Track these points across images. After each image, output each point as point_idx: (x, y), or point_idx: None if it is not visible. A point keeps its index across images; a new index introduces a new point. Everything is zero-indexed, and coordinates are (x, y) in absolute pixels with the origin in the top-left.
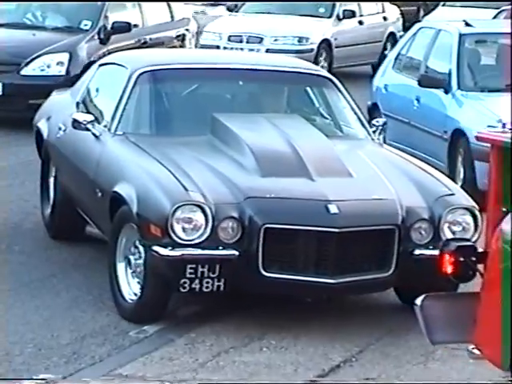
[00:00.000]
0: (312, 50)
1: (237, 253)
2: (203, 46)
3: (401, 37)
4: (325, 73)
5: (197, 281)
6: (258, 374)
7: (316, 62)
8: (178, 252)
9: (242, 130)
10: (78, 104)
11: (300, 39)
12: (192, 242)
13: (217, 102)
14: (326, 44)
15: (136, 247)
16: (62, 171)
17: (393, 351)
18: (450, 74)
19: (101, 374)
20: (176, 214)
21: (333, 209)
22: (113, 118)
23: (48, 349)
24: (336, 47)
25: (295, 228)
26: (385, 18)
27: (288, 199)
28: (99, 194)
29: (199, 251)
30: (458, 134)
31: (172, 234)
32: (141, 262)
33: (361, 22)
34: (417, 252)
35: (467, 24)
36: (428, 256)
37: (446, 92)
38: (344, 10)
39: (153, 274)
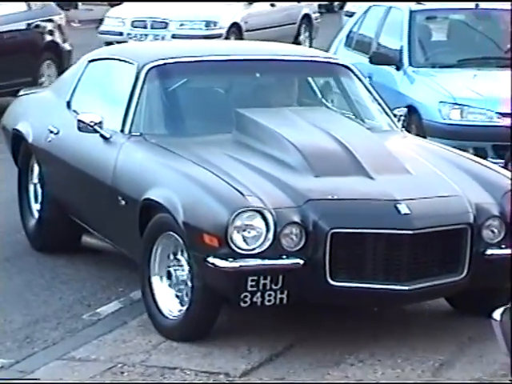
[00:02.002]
0: (221, 34)
1: (301, 261)
2: (104, 33)
3: (316, 19)
4: (343, 61)
5: (258, 294)
6: (211, 354)
7: None
8: (238, 263)
9: (277, 125)
10: (68, 104)
11: (208, 23)
12: (253, 252)
13: (234, 96)
14: (235, 28)
15: (176, 258)
16: (54, 178)
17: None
18: (401, 50)
19: (54, 358)
20: (235, 221)
21: (403, 209)
22: (125, 119)
23: (1, 333)
24: (247, 31)
25: (364, 232)
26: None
27: (353, 200)
28: (122, 202)
29: (261, 261)
30: (411, 111)
31: (231, 244)
32: (183, 273)
33: (273, 5)
34: (489, 252)
35: (419, 2)
36: (501, 256)
37: (398, 69)
38: None
39: (202, 288)
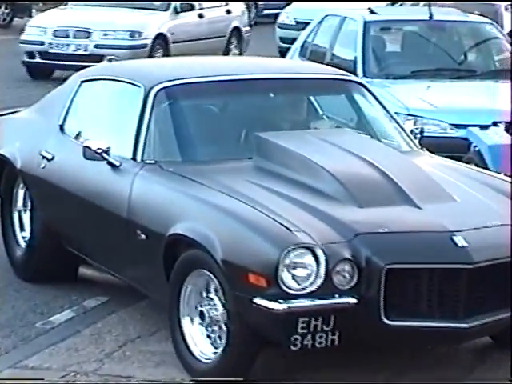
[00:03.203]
0: (145, 45)
1: (354, 300)
2: (25, 42)
3: (246, 32)
4: (356, 78)
5: (309, 336)
6: (164, 363)
7: (150, 58)
8: (288, 304)
9: (305, 150)
10: (61, 127)
11: (132, 34)
12: (303, 292)
13: (249, 118)
14: (161, 39)
15: (209, 297)
16: (48, 206)
17: None
18: (355, 61)
19: (6, 366)
20: (285, 260)
21: (460, 241)
22: (136, 145)
23: None
24: (173, 42)
25: (420, 267)
26: (228, 12)
27: (406, 233)
28: (141, 237)
29: (313, 302)
30: None
31: (281, 284)
32: (217, 313)
33: (201, 16)
34: None
35: (372, 11)
36: None
37: None
38: (181, 3)
39: (241, 330)
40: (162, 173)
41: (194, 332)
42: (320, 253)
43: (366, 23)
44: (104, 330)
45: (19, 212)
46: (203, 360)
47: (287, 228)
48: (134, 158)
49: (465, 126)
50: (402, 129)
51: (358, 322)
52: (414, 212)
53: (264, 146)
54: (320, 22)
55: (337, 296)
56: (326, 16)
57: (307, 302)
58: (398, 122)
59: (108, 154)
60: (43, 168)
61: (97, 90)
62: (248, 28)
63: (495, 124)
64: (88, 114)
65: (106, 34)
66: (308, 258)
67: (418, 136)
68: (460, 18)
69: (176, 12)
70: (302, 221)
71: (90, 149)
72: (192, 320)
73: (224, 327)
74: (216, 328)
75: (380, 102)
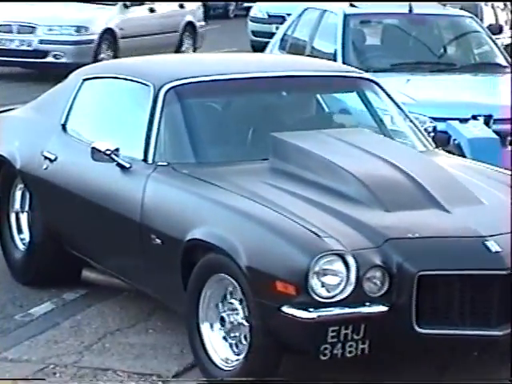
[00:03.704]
0: (92, 41)
1: (385, 308)
2: None
3: (201, 27)
4: (368, 75)
5: (339, 345)
6: (144, 355)
7: (97, 55)
8: (318, 313)
9: (325, 151)
10: (63, 127)
11: (78, 29)
12: (333, 300)
13: (262, 118)
14: (109, 34)
15: (229, 302)
16: (50, 208)
17: None
18: (335, 54)
19: None
20: (315, 267)
21: (493, 246)
22: (147, 146)
23: None
24: (122, 38)
25: (453, 273)
26: (181, 6)
27: (437, 238)
28: (156, 241)
29: (343, 310)
30: None
31: (311, 292)
32: (238, 318)
33: (152, 10)
34: None
35: (352, 4)
36: None
37: None
38: None
39: (264, 336)
40: (176, 175)
41: (213, 338)
42: (351, 259)
43: (345, 16)
44: (83, 322)
45: (16, 213)
46: (224, 368)
47: (316, 234)
48: (145, 160)
49: (444, 120)
50: (417, 127)
51: (389, 331)
52: (443, 216)
53: (280, 146)
54: (300, 15)
55: (367, 304)
56: (306, 9)
57: (337, 311)
58: (412, 121)
59: (117, 156)
60: (45, 169)
61: (100, 88)
62: (203, 23)
63: (474, 117)
64: (92, 114)
65: (50, 29)
66: (338, 265)
67: (431, 134)
68: (440, 12)
69: (125, 6)
70: (329, 226)
71: (98, 150)
72: (212, 326)
73: (246, 334)
74: (237, 334)
75: (393, 100)
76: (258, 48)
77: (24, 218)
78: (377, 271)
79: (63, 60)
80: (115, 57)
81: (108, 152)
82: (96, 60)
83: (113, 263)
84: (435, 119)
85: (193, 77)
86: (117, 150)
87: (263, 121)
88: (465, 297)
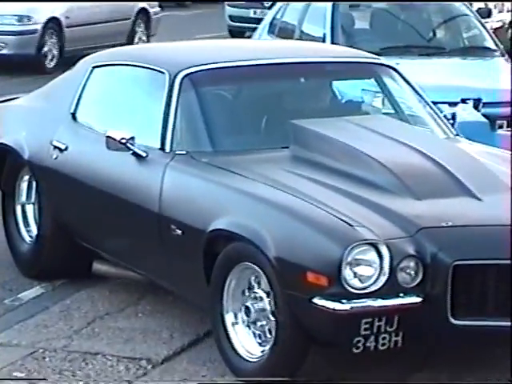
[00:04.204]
0: (35, 31)
1: (419, 299)
2: None
3: (155, 13)
4: (386, 61)
5: (372, 338)
6: (133, 339)
7: (41, 45)
8: (351, 305)
9: (350, 139)
10: (73, 115)
11: (20, 18)
12: (366, 291)
13: (280, 105)
14: (54, 23)
15: (255, 292)
16: (61, 199)
17: None
18: (323, 38)
19: None
20: (348, 257)
21: None
22: (164, 135)
23: None
24: (68, 27)
25: (488, 263)
26: None
27: (470, 227)
28: (177, 232)
29: (377, 301)
30: None
31: (344, 283)
32: (263, 307)
33: None
34: None
35: None
36: None
37: None
38: None
39: (293, 328)
40: (195, 164)
41: (238, 329)
42: (384, 249)
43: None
44: (73, 306)
45: (22, 205)
46: (249, 359)
47: (348, 223)
48: (162, 149)
49: (434, 103)
50: (437, 114)
51: (423, 322)
52: (474, 204)
53: (302, 134)
54: None
55: (401, 295)
56: None
57: (371, 302)
58: (431, 107)
59: (133, 144)
60: (55, 159)
61: (112, 76)
62: (157, 9)
63: (464, 101)
64: (103, 102)
65: None
66: (372, 255)
67: (451, 122)
68: None
69: None
70: (359, 215)
71: (113, 139)
72: (236, 316)
73: (272, 324)
74: (263, 324)
75: (412, 86)
76: (236, 34)
77: (30, 210)
78: (410, 261)
79: (4, 51)
80: (60, 47)
81: (123, 141)
82: (40, 51)
83: (127, 255)
84: None
85: (209, 63)
86: (132, 138)
87: (281, 108)
88: (499, 287)
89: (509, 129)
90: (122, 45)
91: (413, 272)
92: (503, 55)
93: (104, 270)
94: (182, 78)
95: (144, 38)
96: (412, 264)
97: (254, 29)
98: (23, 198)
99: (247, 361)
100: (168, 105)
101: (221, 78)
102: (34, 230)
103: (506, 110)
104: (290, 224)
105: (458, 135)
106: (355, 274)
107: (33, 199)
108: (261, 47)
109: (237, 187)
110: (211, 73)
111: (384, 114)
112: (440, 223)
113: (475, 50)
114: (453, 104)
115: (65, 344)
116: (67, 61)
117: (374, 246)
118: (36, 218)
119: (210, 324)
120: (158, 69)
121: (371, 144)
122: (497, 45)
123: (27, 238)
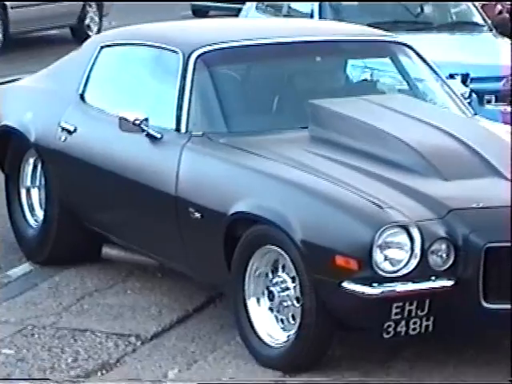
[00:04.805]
0: None
1: (451, 283)
2: None
3: None
4: (402, 39)
5: (403, 322)
6: (122, 316)
7: None
8: (382, 289)
9: (373, 119)
10: (82, 96)
11: None
12: (398, 274)
13: (297, 85)
14: None
15: (279, 276)
16: (70, 182)
17: None
18: (311, 14)
19: None
20: (379, 240)
21: None
22: (179, 116)
23: None
24: (12, 8)
25: None
26: None
27: (501, 208)
28: (196, 215)
29: (408, 285)
30: None
31: (374, 267)
32: (288, 293)
33: None
34: None
35: None
36: None
37: None
38: None
39: (318, 313)
40: (213, 145)
41: (261, 313)
42: (415, 231)
43: None
44: (62, 283)
45: (27, 189)
46: (274, 345)
47: (377, 205)
48: (177, 130)
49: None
50: (454, 93)
51: (454, 306)
52: (503, 184)
53: (321, 114)
54: None
55: (432, 278)
56: None
57: (402, 286)
58: (449, 86)
59: (147, 126)
60: (64, 141)
61: (122, 56)
62: None
63: (452, 76)
64: (113, 83)
65: None
66: (403, 238)
67: (468, 100)
68: None
69: None
70: (388, 196)
71: (126, 120)
72: (258, 301)
73: (296, 309)
74: (288, 309)
75: (429, 65)
76: (200, 14)
77: (35, 193)
78: (442, 243)
79: None
80: (5, 30)
81: (137, 122)
82: None
83: (141, 239)
84: None
85: (223, 42)
86: (146, 119)
87: (297, 88)
88: None
89: (497, 103)
90: (71, 27)
91: (444, 255)
92: (491, 30)
93: (114, 255)
94: (196, 58)
95: (96, 19)
96: (443, 246)
97: (218, 8)
98: (28, 182)
99: (271, 346)
100: (182, 85)
101: (236, 57)
102: (40, 215)
103: (493, 85)
104: (316, 206)
105: (476, 114)
106: (386, 257)
107: (38, 182)
108: (275, 26)
109: (258, 168)
110: (226, 52)
111: (400, 93)
112: (471, 204)
113: (463, 26)
114: None
115: (54, 321)
116: (12, 44)
117: (405, 228)
118: (42, 201)
119: (198, 302)
120: (171, 48)
121: (395, 124)
122: (485, 20)
123: (33, 223)
